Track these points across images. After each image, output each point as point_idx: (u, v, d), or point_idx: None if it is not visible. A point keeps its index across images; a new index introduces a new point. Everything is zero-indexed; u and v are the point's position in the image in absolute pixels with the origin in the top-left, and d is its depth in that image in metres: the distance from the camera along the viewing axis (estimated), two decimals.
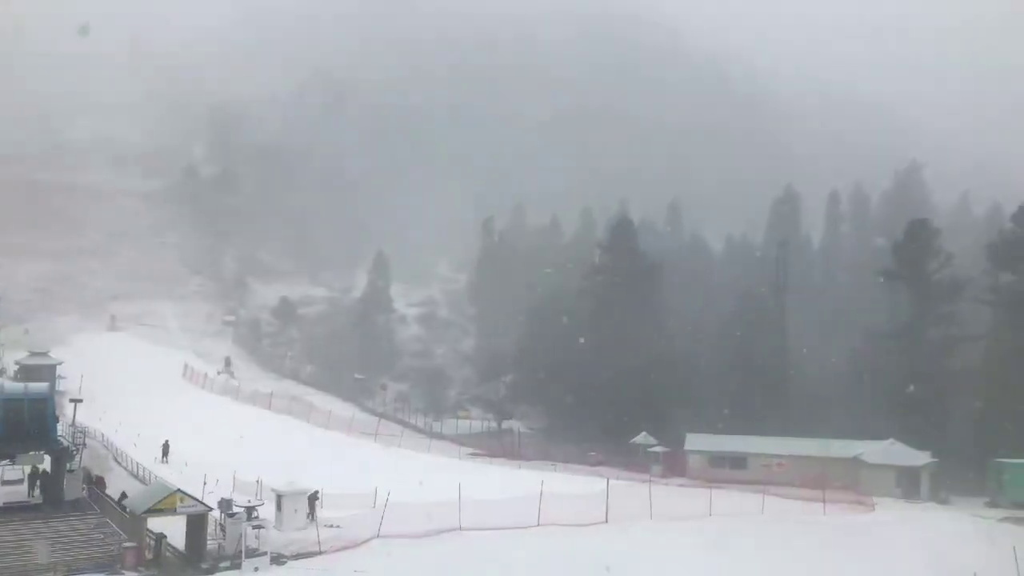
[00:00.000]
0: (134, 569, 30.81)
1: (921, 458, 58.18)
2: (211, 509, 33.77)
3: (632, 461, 65.93)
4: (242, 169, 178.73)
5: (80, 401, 52.39)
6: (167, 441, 55.46)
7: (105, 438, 57.48)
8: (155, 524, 32.73)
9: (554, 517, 38.48)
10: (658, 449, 66.38)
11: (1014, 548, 31.33)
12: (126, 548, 31.21)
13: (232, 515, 33.74)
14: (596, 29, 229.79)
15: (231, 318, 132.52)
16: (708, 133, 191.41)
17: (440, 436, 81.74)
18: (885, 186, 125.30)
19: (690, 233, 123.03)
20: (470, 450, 74.01)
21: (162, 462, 53.28)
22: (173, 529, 32.91)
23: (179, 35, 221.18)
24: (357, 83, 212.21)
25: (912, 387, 67.00)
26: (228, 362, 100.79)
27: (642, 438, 68.69)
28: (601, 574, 31.59)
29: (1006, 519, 48.15)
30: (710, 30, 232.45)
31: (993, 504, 54.22)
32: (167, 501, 32.32)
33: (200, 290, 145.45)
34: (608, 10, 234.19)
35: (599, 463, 65.58)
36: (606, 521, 40.29)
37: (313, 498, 38.43)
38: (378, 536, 35.45)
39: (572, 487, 45.00)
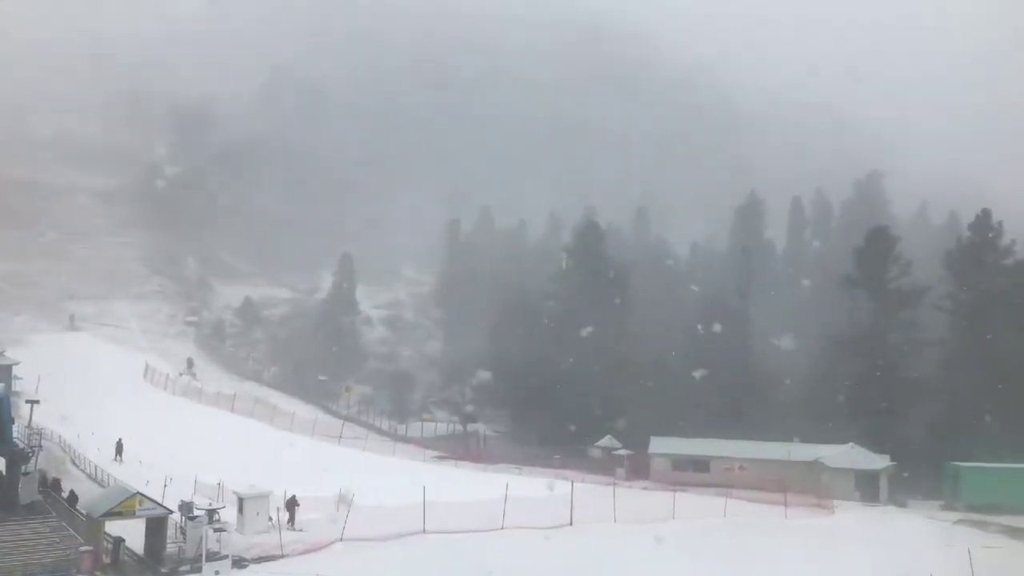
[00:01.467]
0: (91, 573, 30.29)
1: (880, 462, 59.15)
2: (171, 512, 33.29)
3: (597, 464, 66.19)
4: (205, 168, 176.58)
5: (37, 402, 51.34)
6: (120, 439, 54.79)
7: (63, 440, 56.37)
8: (113, 527, 32.15)
9: (519, 520, 38.49)
10: (622, 452, 66.78)
11: (968, 550, 31.94)
12: (83, 552, 30.66)
13: (193, 518, 33.28)
14: (567, 37, 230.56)
15: (193, 319, 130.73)
16: (674, 140, 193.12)
17: (405, 439, 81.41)
18: (846, 194, 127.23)
19: (656, 238, 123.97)
20: (435, 453, 73.84)
21: (115, 460, 52.65)
22: (132, 532, 32.35)
23: (141, 30, 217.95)
24: (324, 83, 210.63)
25: (859, 393, 67.99)
26: (190, 363, 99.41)
27: (607, 441, 69.07)
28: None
29: (961, 521, 49.12)
30: (678, 41, 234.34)
31: (948, 507, 55.29)
32: (126, 504, 31.80)
33: (161, 290, 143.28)
34: (578, 18, 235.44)
35: (564, 466, 65.74)
36: (571, 524, 40.41)
37: (292, 503, 37.97)
38: (341, 539, 35.20)
39: (537, 490, 45.06)
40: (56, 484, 39.24)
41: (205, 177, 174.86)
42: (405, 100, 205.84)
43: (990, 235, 73.06)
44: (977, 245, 73.35)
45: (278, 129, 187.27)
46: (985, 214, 74.17)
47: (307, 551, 34.32)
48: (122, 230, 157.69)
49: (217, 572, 30.93)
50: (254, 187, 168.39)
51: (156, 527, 32.40)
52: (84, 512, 32.90)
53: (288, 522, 37.11)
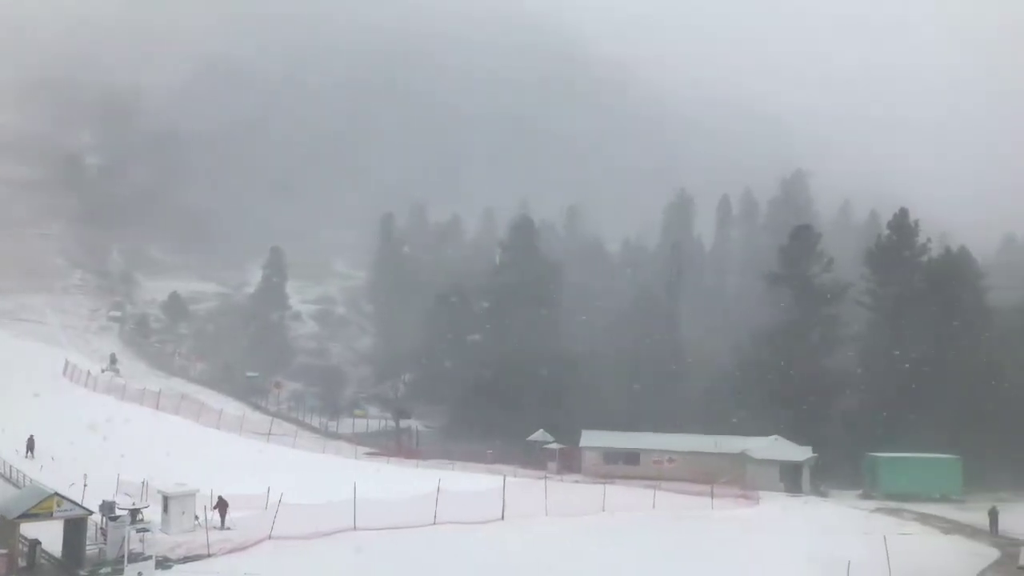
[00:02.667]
0: None
1: (803, 453, 60.90)
2: (91, 513, 32.29)
3: (529, 458, 66.61)
4: (131, 159, 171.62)
5: None
6: (32, 436, 53.21)
7: None
8: (29, 529, 31.03)
9: (451, 515, 38.54)
10: (554, 446, 67.28)
11: (884, 537, 33.14)
12: None
13: (114, 518, 32.33)
14: (503, 37, 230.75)
15: (117, 314, 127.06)
16: (607, 139, 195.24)
17: (336, 436, 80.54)
18: (773, 193, 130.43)
19: (588, 235, 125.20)
20: (367, 449, 73.28)
21: (27, 457, 51.17)
22: (50, 534, 31.28)
23: (64, 17, 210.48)
24: (257, 75, 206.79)
25: (783, 386, 69.87)
26: (113, 359, 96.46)
27: (539, 435, 69.47)
28: (494, 571, 31.82)
29: (878, 509, 50.93)
30: (609, 39, 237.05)
31: (866, 496, 57.30)
32: (43, 505, 30.67)
33: (83, 284, 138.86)
34: (514, 19, 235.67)
35: (496, 461, 65.96)
36: (502, 518, 40.59)
37: (223, 504, 37.22)
38: (270, 538, 34.69)
39: (469, 485, 45.10)
40: None
41: (130, 168, 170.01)
42: (339, 95, 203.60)
43: (907, 233, 75.72)
44: (895, 243, 75.98)
45: (207, 121, 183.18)
46: (903, 213, 76.90)
47: (235, 550, 33.70)
48: (42, 221, 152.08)
49: (140, 573, 30.12)
50: (181, 179, 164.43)
51: (75, 528, 31.36)
52: None
53: (219, 522, 36.43)
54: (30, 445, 52.79)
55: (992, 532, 42.52)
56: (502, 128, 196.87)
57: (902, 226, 76.37)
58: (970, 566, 35.55)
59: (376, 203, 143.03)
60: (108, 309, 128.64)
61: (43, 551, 31.11)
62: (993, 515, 42.86)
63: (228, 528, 36.33)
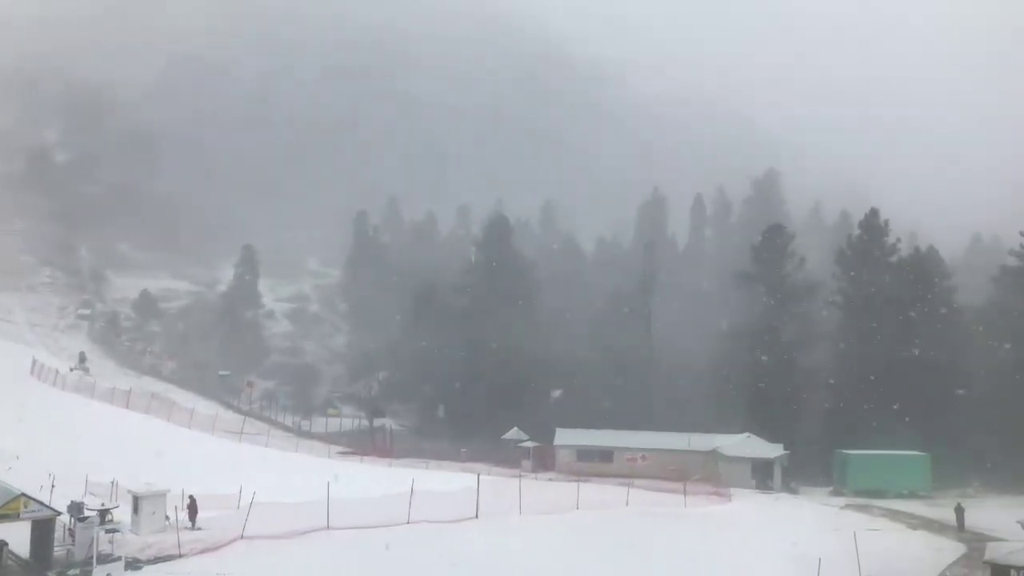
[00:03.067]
0: None
1: (774, 450, 61.50)
2: (59, 513, 31.86)
3: (503, 457, 66.66)
4: (101, 155, 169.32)
5: None
6: None
7: None
8: None
9: (425, 514, 38.47)
10: (528, 444, 67.39)
11: (855, 533, 33.55)
12: None
13: (83, 519, 31.92)
14: (475, 34, 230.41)
15: (86, 312, 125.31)
16: (581, 138, 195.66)
17: (309, 435, 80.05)
18: (746, 192, 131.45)
19: (563, 233, 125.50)
20: (340, 448, 72.94)
21: None
22: (17, 536, 30.82)
23: (29, 10, 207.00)
24: (228, 70, 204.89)
25: (755, 384, 70.48)
26: (83, 358, 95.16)
27: (513, 433, 69.57)
28: (468, 569, 31.82)
29: (848, 506, 51.59)
30: (584, 39, 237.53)
31: (837, 492, 58.02)
32: (10, 506, 30.18)
33: (52, 282, 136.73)
34: (488, 17, 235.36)
35: (470, 459, 65.94)
36: (476, 517, 40.60)
37: (193, 506, 36.62)
38: (242, 537, 34.43)
39: (443, 484, 45.07)
40: None
41: (101, 165, 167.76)
42: (313, 93, 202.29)
43: (877, 233, 76.63)
44: (866, 243, 76.87)
45: (179, 118, 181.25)
46: (873, 213, 77.82)
47: (206, 550, 33.41)
48: (9, 218, 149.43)
49: (109, 574, 29.80)
50: (152, 176, 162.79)
51: (43, 530, 30.92)
52: None
53: (189, 520, 36.00)
54: None
55: (959, 528, 43.22)
56: (477, 126, 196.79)
57: (872, 226, 77.27)
58: (937, 561, 36.10)
59: (350, 201, 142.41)
60: (77, 307, 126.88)
61: (10, 553, 30.65)
62: (959, 512, 43.57)
63: (198, 529, 35.94)
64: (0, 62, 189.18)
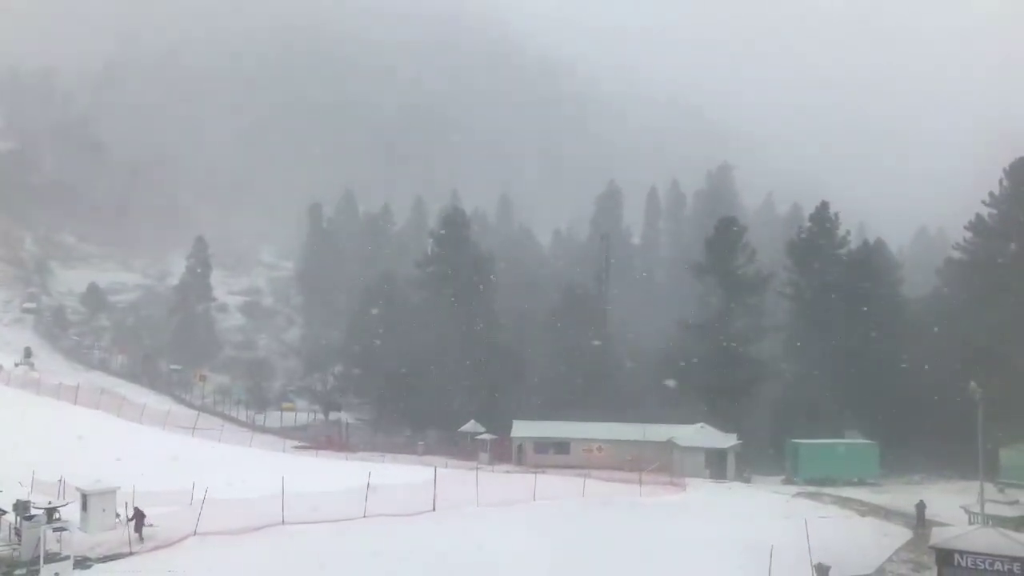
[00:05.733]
0: None
1: (728, 440, 62.40)
2: (4, 512, 31.12)
3: (461, 449, 66.67)
4: (44, 144, 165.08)
5: None
6: None
7: None
8: None
9: (381, 508, 38.31)
10: (486, 437, 67.46)
11: (805, 520, 34.21)
12: None
13: (29, 518, 31.18)
14: (432, 27, 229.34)
15: (31, 305, 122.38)
16: (538, 131, 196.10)
17: (264, 429, 79.26)
18: (699, 185, 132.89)
19: (519, 225, 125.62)
20: (295, 443, 72.32)
21: None
22: None
23: None
24: (176, 56, 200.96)
25: (708, 375, 71.34)
26: (28, 353, 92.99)
27: (470, 426, 69.60)
28: (425, 562, 31.80)
29: (799, 494, 52.51)
30: (541, 32, 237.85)
31: (788, 481, 59.01)
32: None
33: None
34: (443, 9, 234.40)
35: (427, 452, 65.82)
36: (433, 510, 40.59)
37: (139, 515, 34.40)
38: (195, 534, 33.96)
39: (400, 477, 44.95)
40: None
41: (44, 154, 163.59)
42: (267, 83, 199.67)
43: (828, 226, 77.94)
44: (816, 235, 78.13)
45: (123, 107, 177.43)
46: (824, 206, 79.07)
47: (158, 547, 32.91)
48: None
49: (57, 574, 29.18)
50: (99, 166, 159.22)
51: None
52: None
53: (135, 531, 34.07)
54: None
55: (919, 524, 41.68)
56: (432, 119, 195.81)
57: (823, 218, 78.50)
58: (885, 546, 36.97)
59: (304, 192, 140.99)
60: (22, 301, 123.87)
61: None
62: (920, 508, 42.42)
63: (143, 541, 33.88)
64: None
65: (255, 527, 35.13)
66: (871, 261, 76.56)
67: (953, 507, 41.60)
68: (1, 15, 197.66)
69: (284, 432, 78.22)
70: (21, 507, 32.10)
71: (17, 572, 29.50)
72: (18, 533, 31.32)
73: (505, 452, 66.42)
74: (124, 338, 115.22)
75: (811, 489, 54.41)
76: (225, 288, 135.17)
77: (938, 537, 27.17)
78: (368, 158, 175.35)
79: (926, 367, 64.71)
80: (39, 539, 29.82)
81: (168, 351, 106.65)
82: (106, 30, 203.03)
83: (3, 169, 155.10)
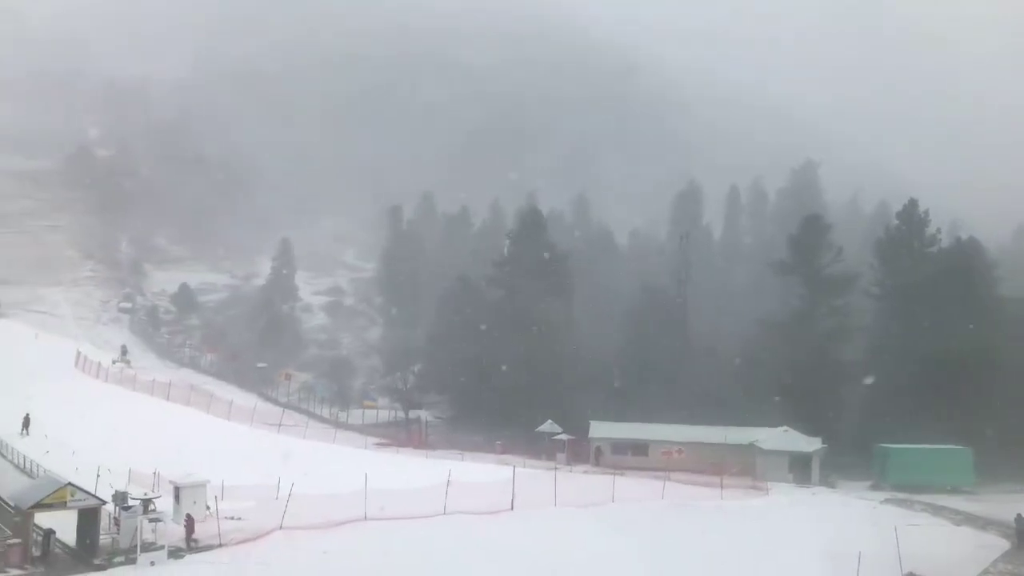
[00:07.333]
0: (19, 567, 29.41)
1: (812, 444, 60.82)
2: (104, 503, 32.56)
3: (538, 449, 66.72)
4: (138, 150, 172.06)
5: None
6: (28, 414, 54.66)
7: None
8: (43, 519, 31.29)
9: (460, 506, 38.63)
10: (563, 437, 67.32)
11: (895, 528, 33.13)
12: (10, 545, 29.76)
13: (127, 508, 32.57)
14: (507, 25, 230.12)
15: (127, 305, 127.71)
16: (615, 128, 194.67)
17: (346, 426, 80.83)
18: (782, 183, 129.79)
19: (596, 225, 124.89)
20: (377, 440, 73.51)
21: (22, 435, 52.94)
22: (64, 524, 31.55)
23: (65, 9, 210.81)
24: (261, 65, 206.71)
25: (792, 377, 69.62)
26: (124, 350, 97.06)
27: (548, 426, 69.52)
28: (506, 560, 31.94)
29: (887, 501, 50.87)
30: (617, 27, 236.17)
31: (876, 487, 57.17)
32: (56, 495, 30.93)
33: (94, 276, 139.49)
34: (518, 5, 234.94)
35: (505, 452, 66.08)
36: (512, 509, 40.72)
37: (191, 522, 34.16)
38: (281, 527, 34.88)
39: (478, 476, 45.24)
40: None
41: (138, 159, 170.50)
42: (346, 86, 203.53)
43: (917, 223, 75.30)
44: (904, 233, 75.58)
45: (214, 112, 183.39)
46: (912, 203, 76.44)
47: (246, 540, 33.93)
48: (52, 214, 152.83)
49: (152, 563, 30.44)
50: (189, 171, 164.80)
51: (88, 518, 31.62)
52: (12, 504, 31.90)
53: (188, 539, 33.39)
54: (25, 423, 54.31)
55: (1018, 542, 38.43)
56: (508, 119, 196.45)
57: (911, 216, 75.93)
58: (981, 558, 35.51)
59: (385, 196, 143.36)
60: (119, 300, 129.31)
61: (58, 540, 31.40)
62: (1021, 521, 39.03)
63: (194, 542, 33.51)
64: (39, 61, 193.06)
65: (338, 522, 35.88)
66: (963, 259, 73.51)
67: None
68: (99, 27, 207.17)
69: (365, 429, 79.62)
70: (119, 498, 33.53)
71: (116, 559, 30.87)
72: (117, 523, 32.70)
73: (582, 453, 66.17)
74: (213, 337, 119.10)
75: (900, 496, 52.60)
76: (309, 289, 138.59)
77: None
78: (447, 160, 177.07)
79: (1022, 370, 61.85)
80: (136, 529, 31.15)
81: (254, 349, 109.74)
82: (196, 38, 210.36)
83: (101, 175, 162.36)
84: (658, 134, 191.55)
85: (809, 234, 76.17)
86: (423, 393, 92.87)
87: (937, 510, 47.54)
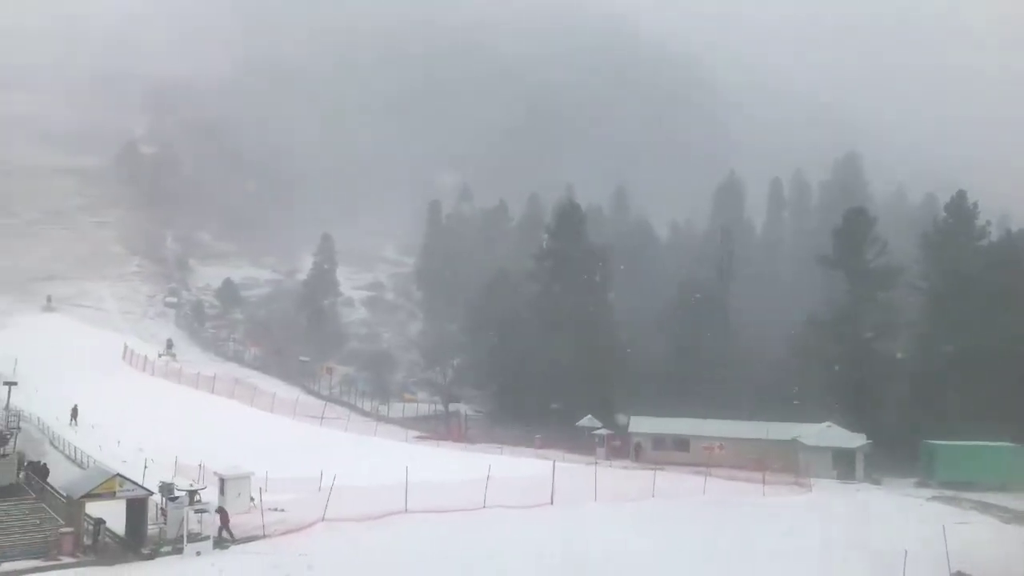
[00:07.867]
0: (71, 555, 30.18)
1: (856, 440, 59.90)
2: (151, 493, 33.23)
3: (577, 444, 66.59)
4: (183, 148, 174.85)
5: (15, 384, 51.21)
6: (76, 406, 56.56)
7: (41, 422, 56.04)
8: (93, 509, 32.06)
9: (500, 499, 38.71)
10: (603, 432, 67.12)
11: (943, 526, 32.43)
12: (63, 534, 30.55)
13: (174, 499, 33.21)
14: (545, 16, 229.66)
15: (173, 300, 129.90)
16: (654, 121, 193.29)
17: (387, 419, 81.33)
18: (824, 175, 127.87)
19: (636, 219, 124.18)
20: (417, 433, 73.94)
21: (71, 425, 55.10)
22: (113, 514, 32.28)
23: (112, 7, 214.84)
24: (303, 62, 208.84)
25: (839, 368, 68.55)
26: (170, 344, 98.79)
27: (587, 421, 69.35)
28: (545, 554, 31.94)
29: (934, 498, 49.88)
30: (661, 25, 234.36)
31: (922, 484, 56.09)
32: (106, 485, 31.69)
33: (140, 271, 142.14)
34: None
35: (544, 446, 66.07)
36: (551, 503, 40.71)
37: (225, 516, 34.02)
38: (323, 519, 35.28)
39: (518, 470, 45.29)
40: (39, 468, 38.50)
41: (184, 156, 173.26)
42: (384, 83, 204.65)
43: (965, 216, 73.66)
44: (952, 226, 73.99)
45: (256, 110, 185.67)
46: (960, 196, 74.79)
47: (289, 531, 34.38)
48: (99, 210, 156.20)
49: (199, 553, 30.99)
50: (232, 168, 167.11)
51: (137, 508, 32.31)
52: (64, 494, 32.73)
53: (219, 533, 32.85)
54: (74, 414, 56.26)
55: None
56: (546, 112, 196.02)
57: (960, 208, 74.29)
58: None
59: (424, 191, 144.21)
60: (164, 295, 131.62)
61: (107, 530, 32.14)
62: None
63: (227, 538, 33.29)
64: (87, 62, 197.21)
65: (380, 514, 36.18)
66: (1014, 253, 71.76)
67: None
68: (148, 28, 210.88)
69: (406, 422, 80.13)
70: (166, 489, 34.20)
71: (163, 549, 31.51)
72: (164, 513, 33.38)
73: (622, 448, 65.92)
74: (256, 331, 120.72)
75: (948, 493, 51.51)
76: (350, 284, 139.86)
77: None
78: (485, 155, 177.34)
79: None
80: (182, 519, 31.75)
81: (297, 343, 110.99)
82: (237, 38, 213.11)
83: (147, 172, 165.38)
84: (698, 126, 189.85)
85: (853, 227, 74.84)
86: (462, 387, 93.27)
87: (986, 508, 46.53)
